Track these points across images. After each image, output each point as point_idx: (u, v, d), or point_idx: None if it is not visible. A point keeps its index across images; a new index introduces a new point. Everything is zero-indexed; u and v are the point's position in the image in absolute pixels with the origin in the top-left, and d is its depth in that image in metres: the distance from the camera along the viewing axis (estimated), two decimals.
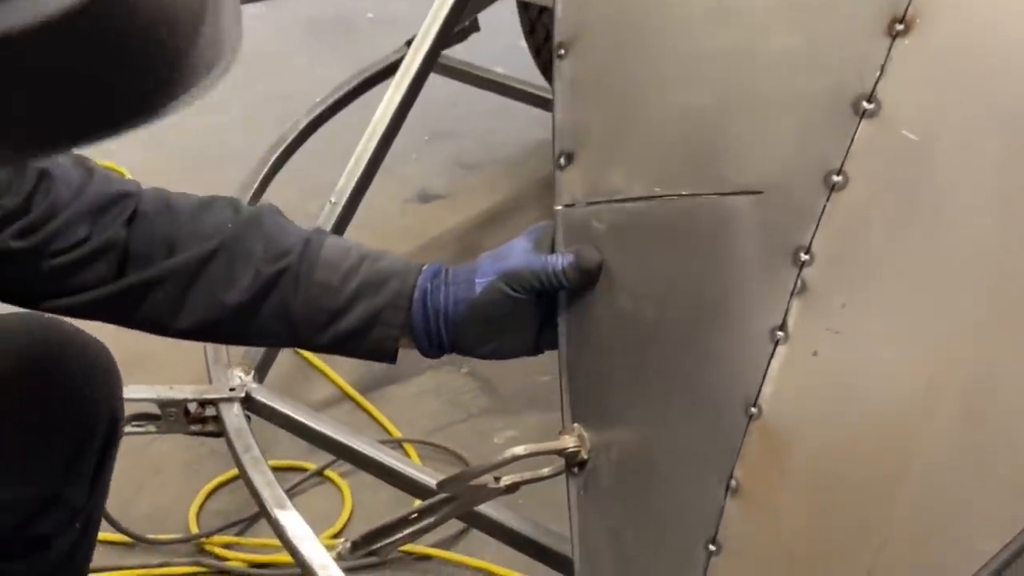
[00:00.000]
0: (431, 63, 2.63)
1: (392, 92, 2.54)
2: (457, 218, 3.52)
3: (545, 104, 3.47)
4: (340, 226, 2.37)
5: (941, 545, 1.12)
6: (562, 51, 1.41)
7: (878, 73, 1.15)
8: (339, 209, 2.37)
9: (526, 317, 1.38)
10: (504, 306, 1.36)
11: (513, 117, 3.85)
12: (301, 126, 2.94)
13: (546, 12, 3.57)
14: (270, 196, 3.01)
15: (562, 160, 1.40)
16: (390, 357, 1.43)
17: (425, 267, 1.41)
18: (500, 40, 3.98)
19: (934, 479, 1.12)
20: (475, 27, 3.43)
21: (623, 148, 1.36)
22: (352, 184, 2.41)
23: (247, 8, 4.95)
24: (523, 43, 3.95)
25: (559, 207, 1.39)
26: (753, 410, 1.19)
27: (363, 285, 1.38)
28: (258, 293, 1.38)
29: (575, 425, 1.37)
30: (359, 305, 1.38)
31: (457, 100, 3.92)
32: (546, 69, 3.82)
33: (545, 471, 1.41)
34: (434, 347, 1.41)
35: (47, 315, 1.53)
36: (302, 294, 1.38)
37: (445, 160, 3.85)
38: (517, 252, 1.37)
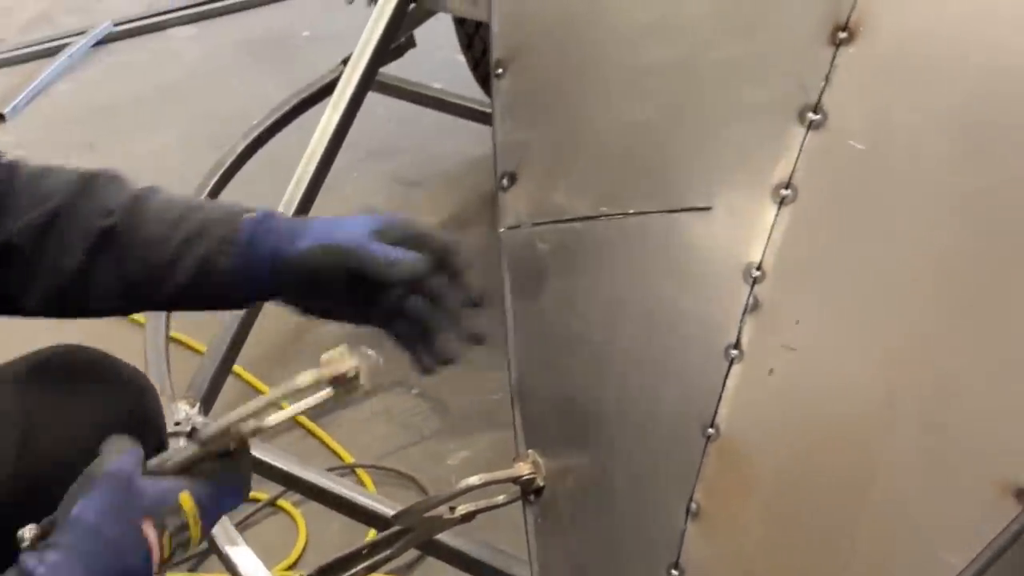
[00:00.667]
0: (369, 81, 2.60)
1: (330, 112, 2.50)
2: None
3: (485, 119, 3.44)
4: None
5: (906, 559, 1.10)
6: (500, 70, 1.39)
7: (823, 83, 1.14)
8: None
9: (345, 291, 1.31)
10: (321, 273, 1.29)
11: (452, 132, 3.81)
12: (239, 149, 2.89)
13: (484, 26, 3.54)
14: None
15: (504, 181, 1.37)
16: (236, 303, 1.40)
17: (256, 212, 1.34)
18: (437, 54, 3.94)
19: (897, 492, 1.10)
20: (411, 43, 3.40)
21: (567, 167, 1.33)
22: (292, 208, 2.37)
23: (180, 30, 4.88)
24: (460, 57, 3.92)
25: (503, 229, 1.37)
26: (710, 431, 1.17)
27: (190, 234, 1.31)
28: (90, 253, 1.31)
29: (529, 452, 1.34)
30: (188, 255, 1.31)
31: (394, 116, 3.88)
32: (485, 83, 3.79)
33: (500, 499, 1.38)
34: (262, 293, 1.34)
35: (81, 347, 1.48)
36: (135, 251, 1.32)
37: (385, 178, 3.80)
38: (353, 229, 1.30)
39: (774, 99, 1.16)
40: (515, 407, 1.35)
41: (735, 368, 1.16)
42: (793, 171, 1.14)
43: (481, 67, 3.76)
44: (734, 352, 1.16)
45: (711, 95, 1.22)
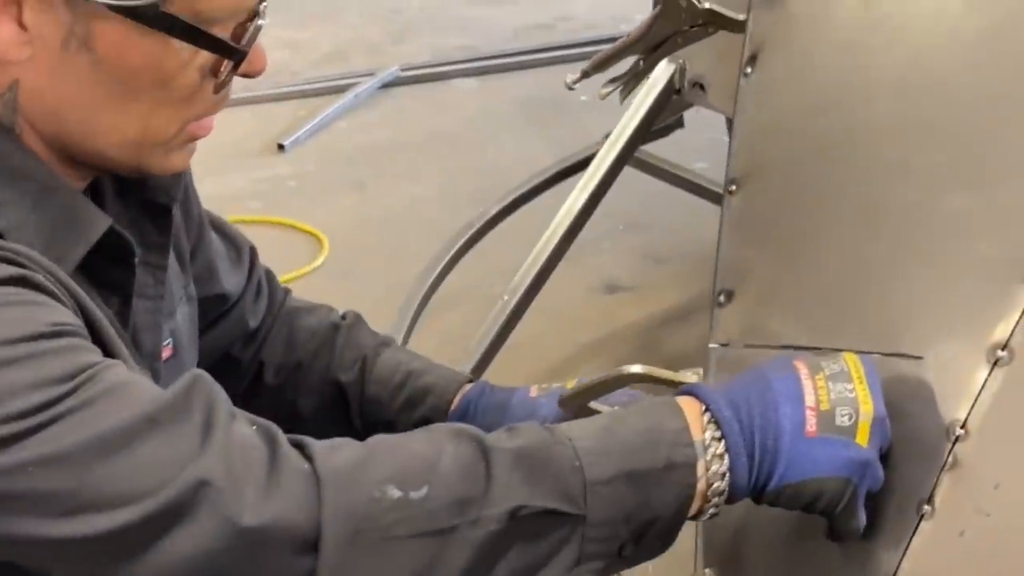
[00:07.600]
0: (624, 161, 2.63)
1: (580, 188, 2.54)
2: (641, 312, 3.47)
3: None
4: (512, 319, 2.37)
5: None
6: (733, 187, 1.39)
7: None
8: (511, 306, 2.38)
9: None
10: None
11: (708, 213, 3.81)
12: (491, 213, 2.97)
13: None
14: (456, 275, 3.05)
15: (721, 297, 1.38)
16: None
17: (470, 384, 1.41)
18: (704, 133, 3.95)
19: None
20: (679, 124, 3.43)
21: (786, 293, 1.33)
22: (527, 281, 2.41)
23: (462, 81, 5.04)
24: (726, 138, 3.92)
25: (714, 344, 1.37)
26: None
27: (406, 400, 1.41)
28: (319, 405, 1.44)
29: (707, 570, 1.33)
30: (406, 419, 1.40)
31: (654, 191, 3.90)
32: None
33: None
34: None
35: None
36: (362, 407, 1.42)
37: (634, 252, 3.81)
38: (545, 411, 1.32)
39: (1002, 256, 1.13)
40: (697, 525, 1.34)
41: (925, 524, 1.13)
42: (1012, 333, 1.11)
43: None
44: (926, 508, 1.12)
45: (939, 243, 1.20)
